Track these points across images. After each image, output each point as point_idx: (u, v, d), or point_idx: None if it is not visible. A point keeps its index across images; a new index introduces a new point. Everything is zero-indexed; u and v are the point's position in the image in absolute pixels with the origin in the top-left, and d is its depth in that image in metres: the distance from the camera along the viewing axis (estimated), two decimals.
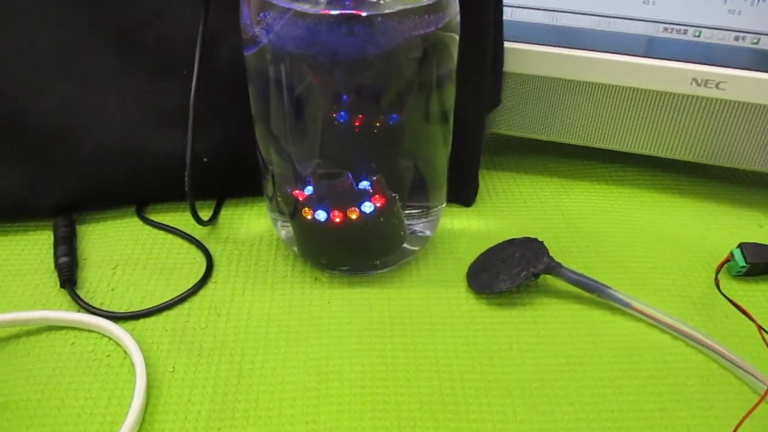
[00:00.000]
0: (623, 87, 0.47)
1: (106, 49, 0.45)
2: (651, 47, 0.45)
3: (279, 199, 0.41)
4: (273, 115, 0.38)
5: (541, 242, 0.42)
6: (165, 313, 0.40)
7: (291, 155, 0.39)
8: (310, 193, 0.40)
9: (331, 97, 0.36)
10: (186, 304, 0.41)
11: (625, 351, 0.38)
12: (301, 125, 0.37)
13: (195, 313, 0.40)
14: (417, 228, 0.43)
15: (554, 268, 0.40)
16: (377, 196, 0.39)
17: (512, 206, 0.50)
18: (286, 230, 0.43)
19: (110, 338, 0.39)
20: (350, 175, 0.39)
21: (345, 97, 0.36)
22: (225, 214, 0.49)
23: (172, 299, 0.41)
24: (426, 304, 0.41)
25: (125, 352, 0.38)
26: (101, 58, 0.45)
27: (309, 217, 0.39)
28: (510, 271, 0.41)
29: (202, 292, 0.42)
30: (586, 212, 0.49)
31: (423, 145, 0.40)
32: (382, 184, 0.39)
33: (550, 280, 0.42)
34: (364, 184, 0.39)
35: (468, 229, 0.47)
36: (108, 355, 0.38)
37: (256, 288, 0.42)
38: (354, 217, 0.39)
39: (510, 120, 0.51)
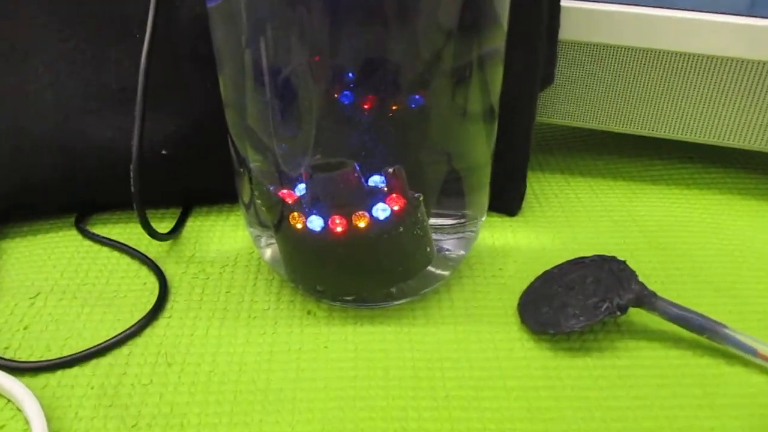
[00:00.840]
0: (717, 58, 0.35)
1: (34, 8, 0.34)
2: (757, 2, 0.34)
3: (259, 202, 0.30)
4: (250, 97, 0.27)
5: (624, 263, 0.30)
6: (93, 362, 0.28)
7: (275, 150, 0.28)
8: (301, 193, 0.29)
9: (332, 70, 0.26)
10: (124, 349, 0.29)
11: (761, 418, 0.26)
12: (290, 110, 0.27)
13: (136, 361, 0.28)
14: (447, 246, 0.31)
15: (648, 299, 0.28)
16: (394, 195, 0.28)
17: (570, 216, 0.38)
18: (271, 249, 0.31)
19: (9, 399, 0.27)
20: (357, 166, 0.27)
21: (350, 74, 0.26)
22: (191, 225, 0.37)
23: (105, 341, 0.29)
24: (463, 349, 0.29)
25: (27, 421, 0.26)
26: (27, 20, 0.34)
27: (299, 225, 0.28)
28: (583, 303, 0.29)
29: (149, 331, 0.30)
30: (668, 224, 0.37)
31: (456, 136, 0.29)
32: (402, 179, 0.27)
33: (635, 315, 0.30)
34: (376, 180, 0.28)
35: (514, 245, 0.35)
36: (2, 426, 0.26)
37: (225, 326, 0.30)
38: (362, 225, 0.27)
39: (562, 105, 0.39)
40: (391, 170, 0.28)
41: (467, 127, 0.29)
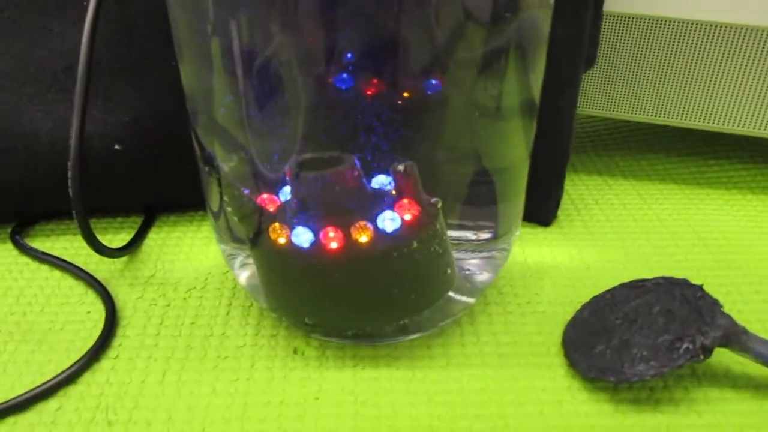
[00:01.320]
0: None
1: None
2: None
3: (230, 210, 0.23)
4: (217, 84, 0.21)
5: (701, 288, 0.24)
6: (9, 421, 0.22)
7: (250, 147, 0.22)
8: (285, 198, 0.22)
9: (324, 47, 0.20)
10: (52, 402, 0.22)
11: None
12: (272, 98, 0.21)
13: (66, 419, 0.22)
14: (470, 266, 0.25)
15: (738, 338, 0.22)
16: (405, 201, 0.21)
17: (616, 226, 0.31)
18: (249, 271, 0.25)
19: None
20: (357, 161, 0.21)
21: (349, 53, 0.20)
22: (154, 238, 0.31)
23: (27, 392, 0.22)
24: (496, 402, 0.22)
25: None
26: None
27: (282, 240, 0.22)
28: (652, 342, 0.22)
29: (87, 377, 0.23)
30: (736, 237, 0.31)
31: (484, 130, 0.23)
32: (414, 179, 0.21)
33: (714, 355, 0.24)
34: (382, 181, 0.21)
35: (552, 262, 0.29)
36: None
37: (186, 369, 0.24)
38: (364, 239, 0.21)
39: (599, 93, 0.33)
40: (401, 168, 0.21)
41: (499, 120, 0.23)
